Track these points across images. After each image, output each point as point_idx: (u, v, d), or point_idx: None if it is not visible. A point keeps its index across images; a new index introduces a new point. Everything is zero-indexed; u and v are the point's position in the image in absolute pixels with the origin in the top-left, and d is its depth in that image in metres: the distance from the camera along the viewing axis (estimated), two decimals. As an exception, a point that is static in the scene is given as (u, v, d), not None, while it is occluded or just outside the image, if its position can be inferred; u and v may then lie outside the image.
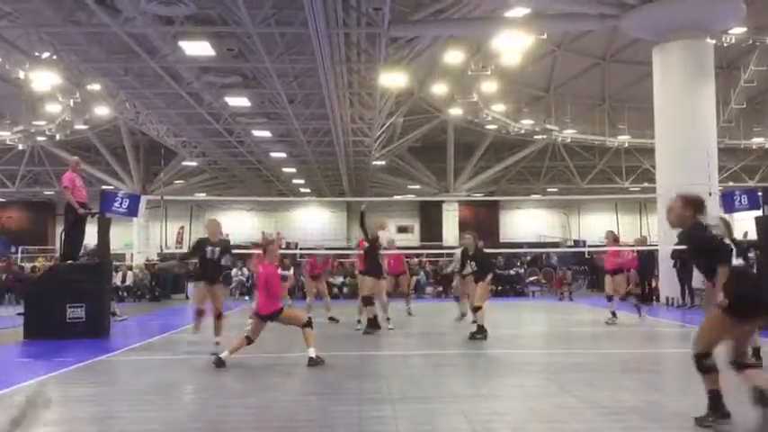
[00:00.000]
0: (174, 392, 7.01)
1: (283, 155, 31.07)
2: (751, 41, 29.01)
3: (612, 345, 10.50)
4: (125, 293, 20.88)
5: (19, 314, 11.45)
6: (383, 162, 37.27)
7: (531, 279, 24.56)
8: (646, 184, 36.79)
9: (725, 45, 27.56)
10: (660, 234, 17.02)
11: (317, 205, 45.18)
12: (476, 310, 10.62)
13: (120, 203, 11.70)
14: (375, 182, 41.23)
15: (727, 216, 8.03)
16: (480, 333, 10.38)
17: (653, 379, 7.50)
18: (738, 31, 26.10)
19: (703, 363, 5.00)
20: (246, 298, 21.14)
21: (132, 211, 11.86)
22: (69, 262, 11.38)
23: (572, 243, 35.34)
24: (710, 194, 13.75)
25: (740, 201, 12.52)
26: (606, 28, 21.68)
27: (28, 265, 27.24)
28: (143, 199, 12.83)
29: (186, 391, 7.12)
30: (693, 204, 5.09)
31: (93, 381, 7.58)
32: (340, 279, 21.14)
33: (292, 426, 5.43)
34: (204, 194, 41.73)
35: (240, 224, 43.27)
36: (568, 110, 35.88)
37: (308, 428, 5.36)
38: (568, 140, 37.24)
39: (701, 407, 5.15)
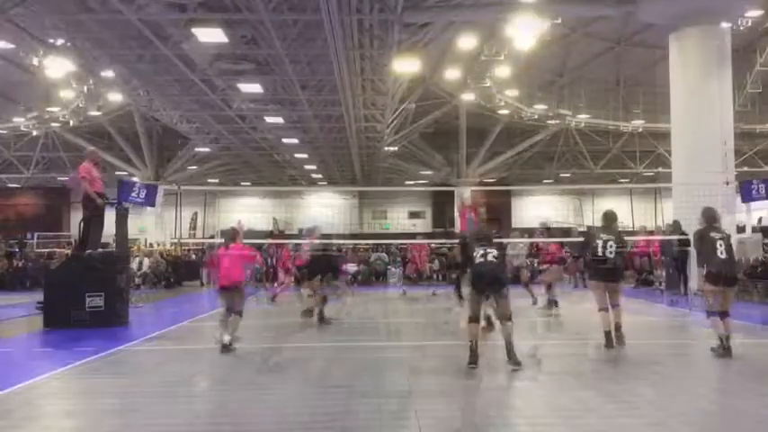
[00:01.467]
0: (196, 385, 7.09)
1: (296, 141, 31.05)
2: (767, 25, 28.53)
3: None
4: (141, 281, 21.00)
5: (39, 303, 11.57)
6: (395, 148, 37.18)
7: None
8: (660, 169, 36.50)
9: (741, 29, 27.11)
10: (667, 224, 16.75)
11: (329, 191, 45.30)
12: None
13: (138, 193, 11.78)
14: (387, 167, 41.18)
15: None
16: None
17: (671, 372, 7.44)
18: (755, 14, 25.67)
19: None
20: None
21: (149, 201, 11.93)
22: (89, 251, 11.43)
23: (585, 229, 35.11)
24: (728, 184, 13.59)
25: (758, 190, 12.43)
26: (621, 12, 21.41)
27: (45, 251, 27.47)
28: (160, 188, 12.89)
29: (207, 384, 7.18)
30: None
31: (115, 371, 7.68)
32: (354, 267, 21.09)
33: (314, 420, 5.49)
34: (217, 180, 41.85)
35: (254, 210, 43.55)
36: (582, 94, 35.56)
37: (328, 422, 5.41)
38: (582, 125, 36.91)
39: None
